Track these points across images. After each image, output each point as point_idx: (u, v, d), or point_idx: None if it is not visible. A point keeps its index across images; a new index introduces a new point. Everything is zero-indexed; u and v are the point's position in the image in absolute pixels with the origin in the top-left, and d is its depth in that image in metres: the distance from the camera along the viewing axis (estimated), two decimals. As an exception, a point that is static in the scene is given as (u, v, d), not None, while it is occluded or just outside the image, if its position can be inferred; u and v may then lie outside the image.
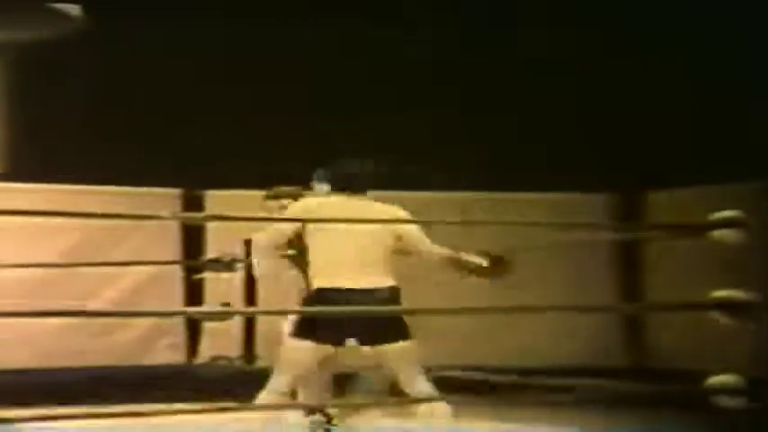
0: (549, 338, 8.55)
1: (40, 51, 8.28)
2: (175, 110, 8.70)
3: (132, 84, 8.63)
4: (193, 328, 8.72)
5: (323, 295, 5.28)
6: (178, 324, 8.75)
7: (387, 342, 5.30)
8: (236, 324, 8.49)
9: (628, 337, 8.95)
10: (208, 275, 7.74)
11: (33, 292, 8.07)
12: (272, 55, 8.81)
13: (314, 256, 5.38)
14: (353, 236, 5.30)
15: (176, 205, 8.54)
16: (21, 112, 8.92)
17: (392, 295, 5.31)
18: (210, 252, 7.84)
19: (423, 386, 5.33)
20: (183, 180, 8.70)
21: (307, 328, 5.28)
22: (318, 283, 5.32)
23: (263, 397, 5.32)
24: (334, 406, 6.43)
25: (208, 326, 8.59)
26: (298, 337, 5.34)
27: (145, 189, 8.49)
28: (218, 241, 8.11)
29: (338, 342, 5.33)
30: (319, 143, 7.68)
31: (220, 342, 8.57)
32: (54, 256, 8.26)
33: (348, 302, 5.19)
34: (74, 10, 7.48)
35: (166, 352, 8.80)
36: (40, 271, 8.16)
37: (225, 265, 7.10)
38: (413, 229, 5.46)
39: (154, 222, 8.48)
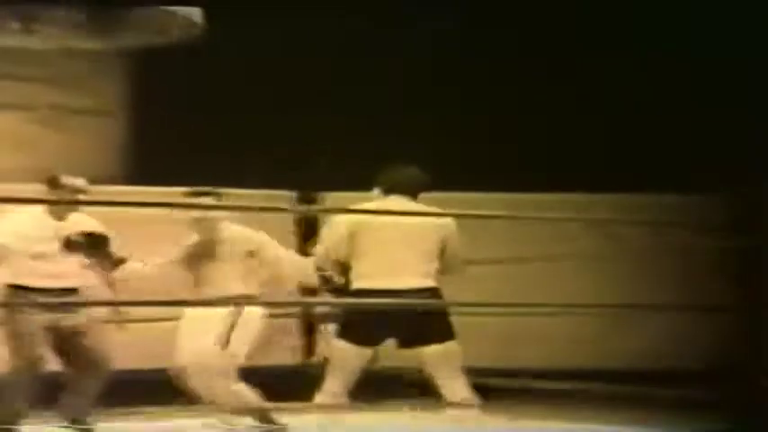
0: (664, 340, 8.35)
1: (162, 55, 8.55)
2: (291, 111, 8.88)
3: (249, 86, 8.84)
4: (311, 329, 8.82)
5: (361, 296, 5.27)
6: (296, 325, 8.76)
7: (427, 344, 5.25)
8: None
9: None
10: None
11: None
12: (393, 55, 8.95)
13: (359, 258, 5.38)
14: (399, 238, 5.30)
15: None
16: (145, 117, 9.33)
17: (433, 296, 5.27)
18: None
19: (461, 390, 5.25)
20: (300, 182, 8.80)
21: (348, 330, 5.29)
22: (358, 284, 5.32)
23: (318, 399, 5.35)
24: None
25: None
26: (341, 339, 5.37)
27: (264, 192, 8.62)
28: None
29: (378, 343, 5.31)
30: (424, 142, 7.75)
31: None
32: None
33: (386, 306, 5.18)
34: (195, 14, 7.65)
35: (284, 353, 8.84)
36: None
37: None
38: (456, 243, 5.45)
39: (271, 225, 8.59)
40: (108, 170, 9.13)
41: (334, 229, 5.66)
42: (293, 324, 8.71)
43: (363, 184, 7.72)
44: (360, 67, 8.94)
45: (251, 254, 6.21)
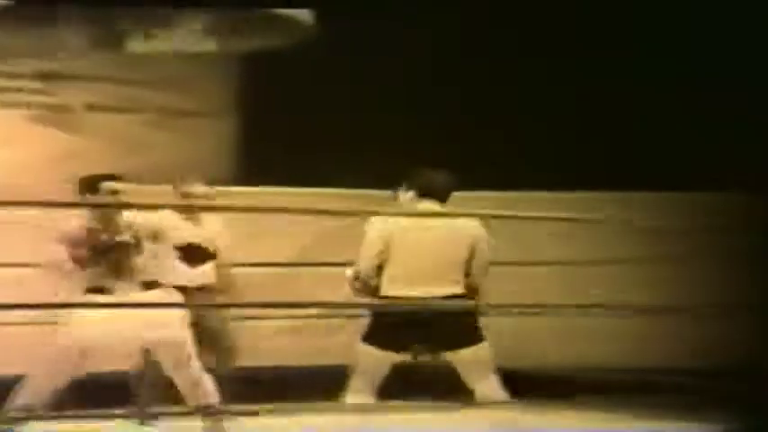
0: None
1: (268, 56, 8.72)
2: (405, 111, 9.02)
3: (356, 85, 8.95)
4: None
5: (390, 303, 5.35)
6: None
7: (458, 347, 5.31)
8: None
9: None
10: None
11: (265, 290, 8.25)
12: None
13: (391, 265, 5.45)
14: (431, 244, 5.36)
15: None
16: (252, 118, 9.50)
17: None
18: None
19: (493, 389, 5.29)
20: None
21: (373, 334, 5.36)
22: (387, 291, 5.38)
23: (348, 398, 5.43)
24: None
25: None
26: (365, 343, 5.44)
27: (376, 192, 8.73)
28: None
29: (403, 349, 5.37)
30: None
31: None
32: (281, 257, 8.56)
33: (415, 311, 5.23)
34: (306, 17, 7.80)
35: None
36: (271, 270, 8.40)
37: None
38: (485, 248, 5.51)
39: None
40: (216, 171, 9.13)
41: (371, 233, 5.72)
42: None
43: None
44: (466, 66, 9.04)
45: None
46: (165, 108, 9.56)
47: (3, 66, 9.26)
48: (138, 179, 8.47)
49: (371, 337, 5.53)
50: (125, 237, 6.12)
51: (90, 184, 6.11)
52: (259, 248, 8.27)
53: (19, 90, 9.33)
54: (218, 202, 7.67)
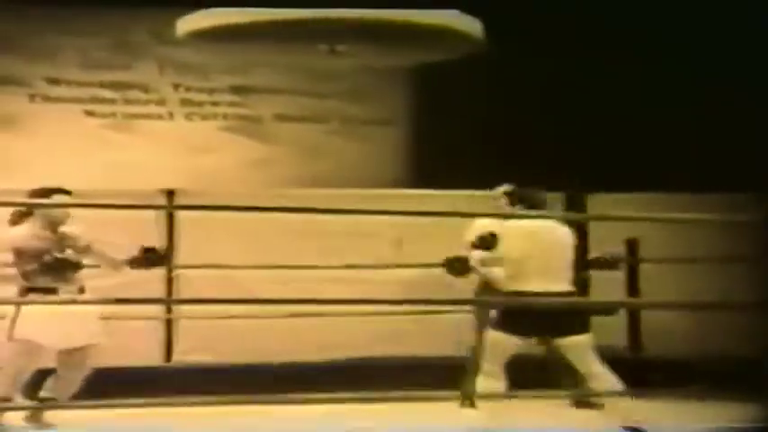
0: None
1: (440, 67, 9.06)
2: (564, 114, 9.28)
3: (519, 93, 9.27)
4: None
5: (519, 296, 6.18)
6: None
7: (569, 335, 6.16)
8: (621, 316, 8.67)
9: None
10: (592, 273, 7.83)
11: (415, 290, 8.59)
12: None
13: (519, 261, 6.22)
14: (541, 247, 6.10)
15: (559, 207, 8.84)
16: (426, 124, 9.85)
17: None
18: (593, 251, 7.92)
19: (597, 368, 6.17)
20: (567, 183, 8.99)
21: (504, 323, 6.13)
22: (510, 286, 6.12)
23: (480, 381, 6.10)
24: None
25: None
26: (497, 330, 6.10)
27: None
28: (600, 241, 8.25)
29: (527, 335, 6.20)
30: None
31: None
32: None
33: (533, 304, 6.12)
34: (476, 30, 7.96)
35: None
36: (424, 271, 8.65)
37: (608, 263, 7.50)
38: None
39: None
40: (393, 175, 9.75)
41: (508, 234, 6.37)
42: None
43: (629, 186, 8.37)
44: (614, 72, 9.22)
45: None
46: (347, 117, 10.01)
47: (203, 82, 9.90)
48: (323, 183, 9.16)
49: (500, 325, 6.26)
50: (68, 253, 6.54)
51: (41, 196, 6.42)
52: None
53: (216, 103, 9.91)
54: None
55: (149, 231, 8.68)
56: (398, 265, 8.35)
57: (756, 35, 8.19)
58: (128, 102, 9.77)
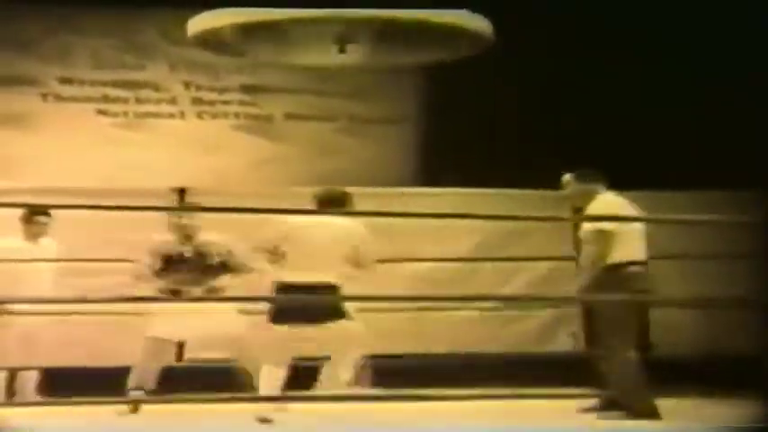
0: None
1: (446, 66, 9.03)
2: (573, 113, 9.29)
3: (526, 93, 9.33)
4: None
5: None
6: (576, 314, 8.90)
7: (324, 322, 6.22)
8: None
9: None
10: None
11: (442, 284, 8.87)
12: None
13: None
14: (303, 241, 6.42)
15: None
16: (432, 123, 9.93)
17: None
18: None
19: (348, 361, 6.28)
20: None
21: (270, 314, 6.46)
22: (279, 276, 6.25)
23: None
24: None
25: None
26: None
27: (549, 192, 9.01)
28: None
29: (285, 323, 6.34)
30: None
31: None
32: (461, 253, 8.97)
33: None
34: (485, 29, 8.00)
35: (567, 340, 9.26)
36: (450, 266, 8.97)
37: None
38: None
39: (551, 223, 8.68)
40: (399, 173, 9.79)
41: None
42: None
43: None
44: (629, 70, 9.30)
45: None
46: (355, 116, 10.06)
47: (214, 81, 9.96)
48: (333, 182, 9.07)
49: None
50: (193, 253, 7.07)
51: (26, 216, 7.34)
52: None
53: (227, 102, 9.96)
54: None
55: (160, 229, 8.93)
56: (407, 259, 8.41)
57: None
58: (139, 101, 9.84)
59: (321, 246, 6.41)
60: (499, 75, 9.26)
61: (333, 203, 6.66)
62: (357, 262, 6.56)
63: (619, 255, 6.41)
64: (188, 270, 7.07)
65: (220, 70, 9.88)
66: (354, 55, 7.80)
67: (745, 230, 7.63)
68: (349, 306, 6.65)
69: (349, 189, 8.35)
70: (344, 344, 6.52)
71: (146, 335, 7.06)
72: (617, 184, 7.02)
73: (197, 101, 9.92)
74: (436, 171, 9.55)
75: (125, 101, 9.82)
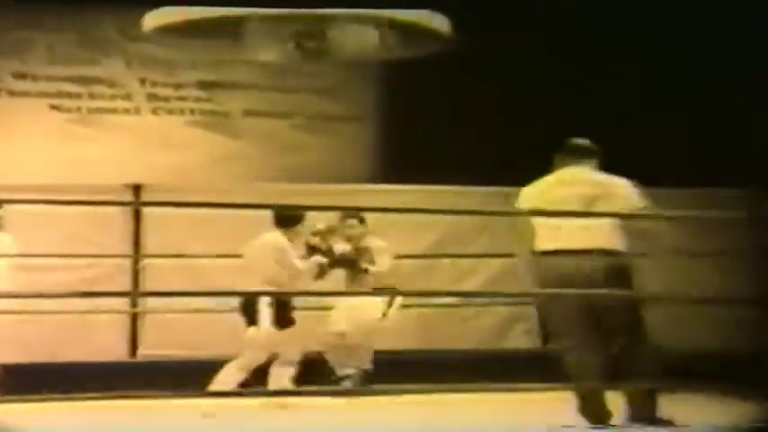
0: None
1: (407, 63, 9.04)
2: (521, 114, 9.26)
3: (486, 90, 9.26)
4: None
5: None
6: (532, 311, 8.89)
7: None
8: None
9: None
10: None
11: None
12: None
13: None
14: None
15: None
16: (393, 121, 9.87)
17: None
18: None
19: None
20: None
21: None
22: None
23: None
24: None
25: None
26: None
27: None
28: None
29: None
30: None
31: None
32: (419, 250, 9.01)
33: None
34: (444, 27, 7.98)
35: (522, 337, 9.34)
36: (408, 263, 8.70)
37: None
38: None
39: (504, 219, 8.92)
40: (358, 170, 9.75)
41: None
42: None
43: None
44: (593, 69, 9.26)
45: None
46: (314, 113, 10.00)
47: (170, 77, 9.85)
48: (292, 178, 9.19)
49: None
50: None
51: None
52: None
53: (183, 99, 9.86)
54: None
55: (115, 226, 8.88)
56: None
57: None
58: (94, 96, 9.74)
59: None
60: (460, 72, 9.26)
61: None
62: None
63: (543, 243, 5.72)
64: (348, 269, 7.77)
65: (177, 66, 9.79)
66: (313, 52, 7.78)
67: (741, 227, 7.97)
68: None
69: (307, 186, 8.65)
70: None
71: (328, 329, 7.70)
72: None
73: (153, 97, 9.83)
74: (395, 168, 9.54)
75: (79, 96, 9.73)
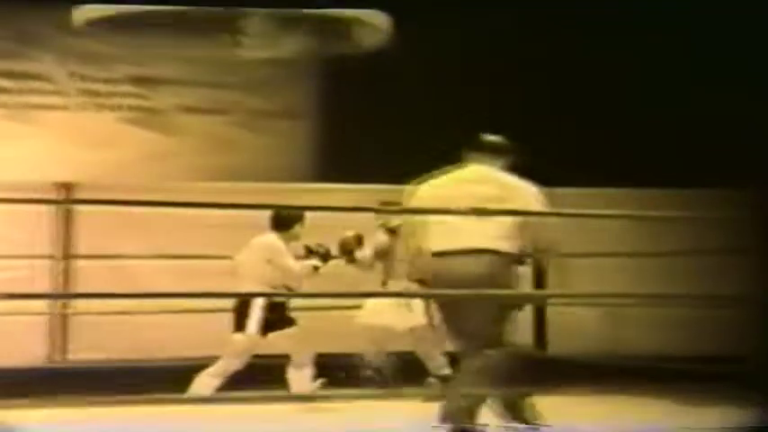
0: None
1: (346, 60, 8.95)
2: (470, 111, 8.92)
3: (428, 88, 9.18)
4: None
5: None
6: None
7: None
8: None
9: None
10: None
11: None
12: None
13: None
14: None
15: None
16: (331, 118, 9.74)
17: None
18: None
19: None
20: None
21: None
22: None
23: None
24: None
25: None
26: None
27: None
28: None
29: None
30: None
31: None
32: None
33: None
34: (382, 22, 7.91)
35: None
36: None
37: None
38: None
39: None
40: (295, 169, 9.64)
41: None
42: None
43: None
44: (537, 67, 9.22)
45: None
46: (251, 110, 9.84)
47: (103, 72, 9.62)
48: (227, 176, 9.08)
49: None
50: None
51: None
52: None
53: (116, 95, 9.66)
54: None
55: (44, 225, 8.77)
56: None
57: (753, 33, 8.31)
58: (25, 92, 9.55)
59: None
60: (399, 69, 9.18)
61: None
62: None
63: (436, 243, 5.51)
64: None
65: (109, 61, 9.59)
66: (249, 47, 7.65)
67: (726, 228, 7.80)
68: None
69: (243, 185, 8.61)
70: None
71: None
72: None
73: (85, 92, 9.64)
74: (334, 167, 9.47)
75: (9, 91, 9.53)
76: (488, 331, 5.30)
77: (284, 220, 7.20)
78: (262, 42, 7.65)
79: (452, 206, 5.38)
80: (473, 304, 5.33)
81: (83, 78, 9.60)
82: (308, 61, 9.58)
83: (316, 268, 7.29)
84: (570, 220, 6.71)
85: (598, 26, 9.09)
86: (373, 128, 9.29)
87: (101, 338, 8.43)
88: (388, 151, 9.13)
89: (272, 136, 9.88)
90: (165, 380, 6.73)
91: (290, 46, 8.01)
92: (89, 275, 8.52)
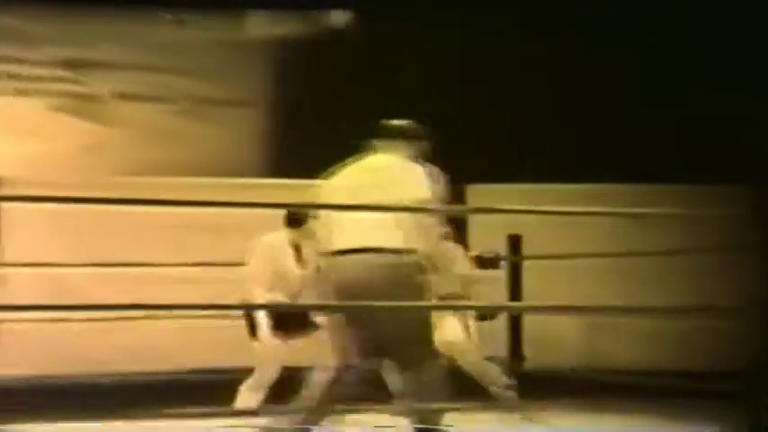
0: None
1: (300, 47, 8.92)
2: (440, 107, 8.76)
3: (385, 80, 8.97)
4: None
5: None
6: None
7: None
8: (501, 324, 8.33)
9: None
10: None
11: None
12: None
13: None
14: None
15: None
16: (284, 107, 9.54)
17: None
18: (473, 248, 7.74)
19: None
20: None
21: None
22: None
23: None
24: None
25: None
26: None
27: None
28: (481, 237, 8.16)
29: None
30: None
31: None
32: None
33: None
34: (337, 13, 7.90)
35: None
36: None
37: (489, 261, 7.27)
38: None
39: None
40: (245, 162, 9.40)
41: None
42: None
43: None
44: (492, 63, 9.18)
45: None
46: (197, 97, 9.59)
47: (30, 54, 9.23)
48: (171, 171, 8.76)
49: None
50: None
51: None
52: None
53: (44, 79, 9.30)
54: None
55: None
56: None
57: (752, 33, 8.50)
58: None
59: None
60: (356, 57, 9.09)
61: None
62: None
63: (337, 241, 5.28)
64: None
65: (36, 41, 9.20)
66: (194, 29, 7.32)
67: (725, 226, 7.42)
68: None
69: (189, 180, 8.28)
70: None
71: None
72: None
73: (9, 76, 9.24)
74: (285, 161, 9.22)
75: None
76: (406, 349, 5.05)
77: (296, 217, 6.79)
78: (205, 24, 7.31)
79: (353, 197, 5.15)
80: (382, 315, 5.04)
81: (5, 60, 9.19)
82: (261, 44, 9.34)
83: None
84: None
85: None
86: (333, 118, 9.01)
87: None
88: (345, 145, 8.85)
89: (220, 127, 9.64)
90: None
91: (236, 29, 7.81)
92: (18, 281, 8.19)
